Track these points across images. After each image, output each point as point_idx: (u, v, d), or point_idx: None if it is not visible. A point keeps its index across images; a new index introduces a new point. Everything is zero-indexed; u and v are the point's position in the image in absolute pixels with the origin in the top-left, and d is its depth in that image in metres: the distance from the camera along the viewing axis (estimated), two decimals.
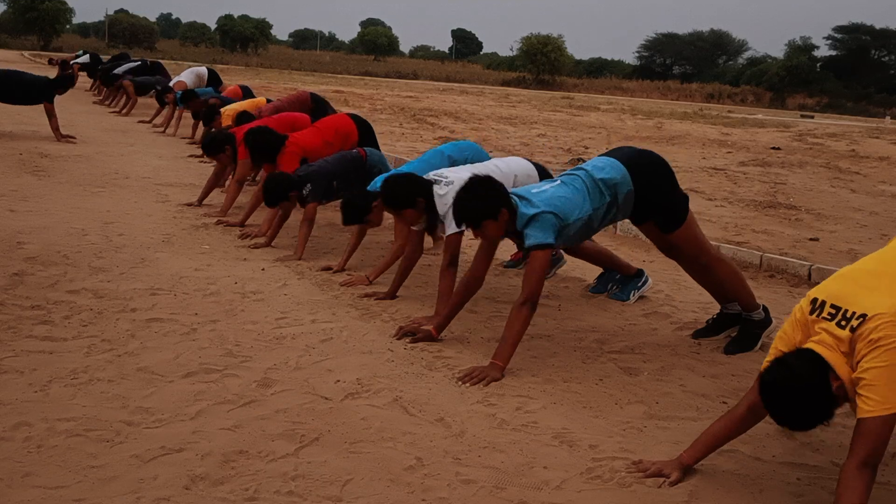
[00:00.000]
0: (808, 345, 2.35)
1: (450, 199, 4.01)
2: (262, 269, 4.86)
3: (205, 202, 6.69)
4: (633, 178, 3.61)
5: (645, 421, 3.03)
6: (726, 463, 2.71)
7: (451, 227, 4.02)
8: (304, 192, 5.26)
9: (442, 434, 2.80)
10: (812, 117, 30.85)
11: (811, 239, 6.32)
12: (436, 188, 4.14)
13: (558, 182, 3.62)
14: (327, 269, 4.90)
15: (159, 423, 2.76)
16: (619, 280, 4.72)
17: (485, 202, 3.43)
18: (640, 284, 4.67)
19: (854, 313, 2.30)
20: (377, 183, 4.71)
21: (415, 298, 4.44)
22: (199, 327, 3.75)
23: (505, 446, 2.74)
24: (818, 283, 5.10)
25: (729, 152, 12.99)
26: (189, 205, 6.64)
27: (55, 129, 9.90)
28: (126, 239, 5.33)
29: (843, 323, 2.31)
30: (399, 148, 10.95)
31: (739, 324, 3.93)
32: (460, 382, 3.26)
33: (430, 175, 4.28)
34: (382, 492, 2.41)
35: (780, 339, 2.49)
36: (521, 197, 3.51)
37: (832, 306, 2.36)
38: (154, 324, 3.75)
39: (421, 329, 3.77)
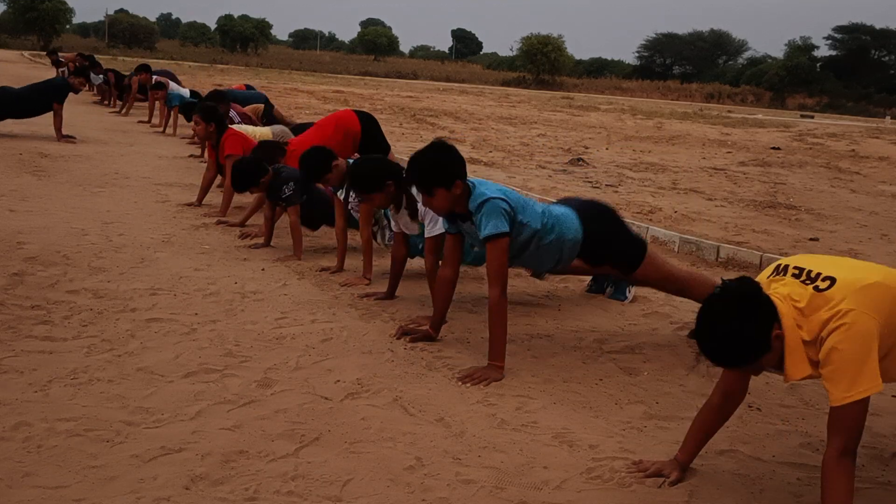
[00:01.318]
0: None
1: None
2: (262, 269, 4.86)
3: (204, 202, 6.69)
4: (586, 226, 3.57)
5: (645, 421, 3.03)
6: (726, 463, 2.71)
7: (434, 229, 4.02)
8: (286, 190, 5.20)
9: (442, 434, 2.80)
10: (812, 117, 30.85)
11: (811, 239, 6.32)
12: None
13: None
14: (326, 269, 4.90)
15: (159, 423, 2.76)
16: (613, 280, 4.72)
17: (443, 168, 3.31)
18: (632, 284, 4.67)
19: (820, 274, 2.25)
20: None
21: (415, 298, 4.44)
22: (199, 327, 3.75)
23: (505, 446, 2.74)
24: None
25: (729, 152, 12.99)
26: (189, 205, 6.65)
27: (57, 128, 9.93)
28: (126, 239, 5.33)
29: (808, 281, 2.26)
30: (399, 148, 10.94)
31: None
32: (460, 383, 3.26)
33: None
34: (382, 492, 2.41)
35: None
36: (480, 182, 3.46)
37: (796, 268, 2.32)
38: (154, 324, 3.75)
39: (420, 329, 3.77)
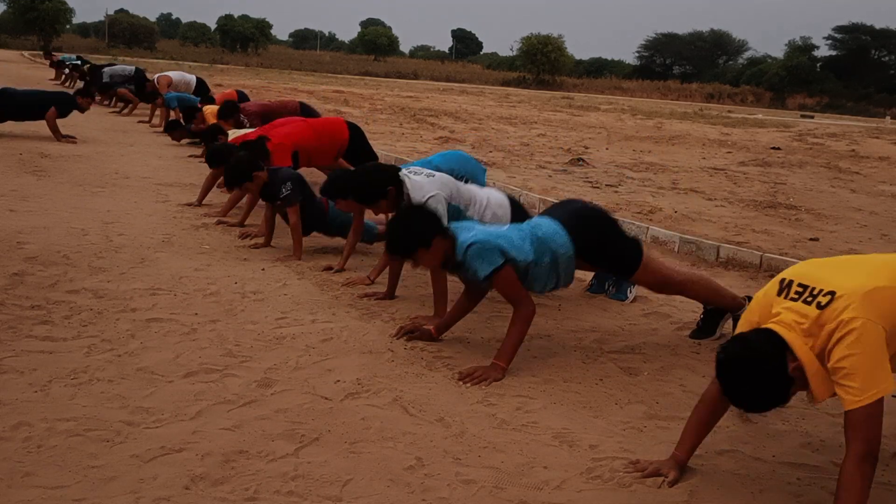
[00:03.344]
0: (767, 325, 2.33)
1: (427, 190, 4.10)
2: (262, 269, 4.86)
3: (205, 202, 6.69)
4: (575, 239, 3.55)
5: (645, 421, 3.03)
6: (726, 463, 2.71)
7: None
8: (284, 190, 5.17)
9: (442, 434, 2.80)
10: (812, 117, 30.85)
11: (811, 239, 6.32)
12: (413, 178, 4.20)
13: (504, 228, 3.62)
14: (328, 269, 4.90)
15: (159, 423, 2.76)
16: (616, 280, 4.72)
17: (416, 230, 3.37)
18: (633, 285, 4.68)
19: (821, 290, 2.27)
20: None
21: (415, 298, 4.43)
22: (199, 327, 3.75)
23: (505, 446, 2.74)
24: None
25: (729, 152, 12.99)
26: (189, 205, 6.65)
27: (54, 130, 9.92)
28: (126, 239, 5.33)
29: (810, 299, 2.28)
30: (399, 148, 10.95)
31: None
32: (461, 382, 3.26)
33: (407, 170, 4.36)
34: (382, 492, 2.41)
35: (741, 324, 2.49)
36: (460, 229, 3.46)
37: (799, 285, 2.34)
38: (154, 324, 3.75)
39: (421, 329, 3.77)
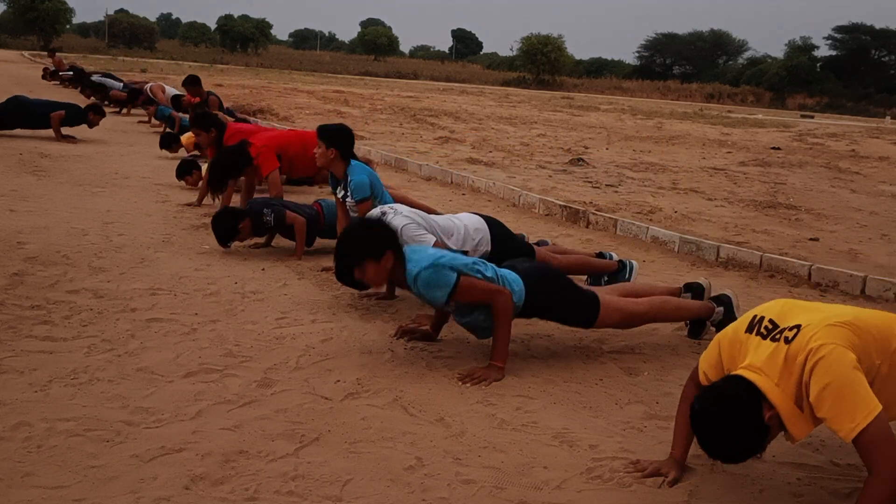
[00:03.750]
0: (738, 371, 2.30)
1: (399, 224, 4.03)
2: (262, 269, 4.86)
3: (204, 202, 6.69)
4: (529, 293, 3.51)
5: (645, 421, 3.03)
6: None
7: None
8: (266, 216, 5.12)
9: (442, 434, 2.80)
10: (812, 117, 30.88)
11: (811, 239, 6.32)
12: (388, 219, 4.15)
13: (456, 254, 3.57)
14: (328, 269, 4.90)
15: (159, 423, 2.76)
16: (608, 279, 4.73)
17: (371, 238, 3.31)
18: (627, 277, 4.69)
19: (787, 326, 2.28)
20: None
21: (415, 299, 4.42)
22: (199, 327, 3.75)
23: (505, 446, 2.74)
24: (818, 282, 5.12)
25: (729, 152, 12.99)
26: (189, 205, 6.66)
27: (56, 129, 9.94)
28: (126, 239, 5.33)
29: (778, 336, 2.28)
30: (399, 148, 10.94)
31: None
32: (461, 383, 3.25)
33: (379, 208, 4.34)
34: (382, 492, 2.41)
35: (704, 360, 2.48)
36: (412, 251, 3.40)
37: (770, 321, 2.34)
38: (154, 324, 3.75)
39: (421, 329, 3.77)
